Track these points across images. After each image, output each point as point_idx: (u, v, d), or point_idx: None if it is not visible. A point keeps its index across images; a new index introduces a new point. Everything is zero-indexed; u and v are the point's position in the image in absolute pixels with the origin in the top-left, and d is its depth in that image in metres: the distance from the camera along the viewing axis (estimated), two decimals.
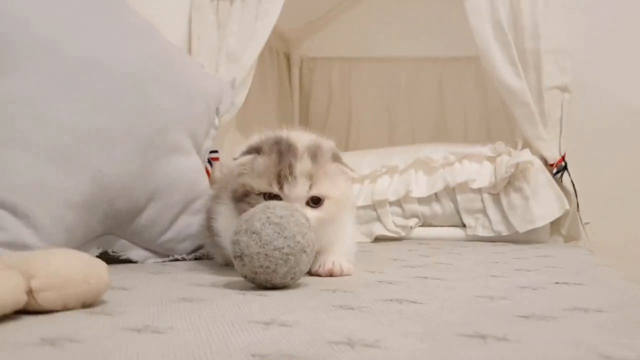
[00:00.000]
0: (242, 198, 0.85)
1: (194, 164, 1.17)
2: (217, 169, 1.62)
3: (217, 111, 1.40)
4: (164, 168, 1.06)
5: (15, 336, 0.49)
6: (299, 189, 0.82)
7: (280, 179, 0.82)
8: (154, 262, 1.07)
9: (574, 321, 0.56)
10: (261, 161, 0.84)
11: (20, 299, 0.56)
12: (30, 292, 0.57)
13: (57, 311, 0.59)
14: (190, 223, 1.12)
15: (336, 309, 0.61)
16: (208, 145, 1.34)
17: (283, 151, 0.84)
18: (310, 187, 0.83)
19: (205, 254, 1.13)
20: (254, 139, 0.89)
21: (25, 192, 0.84)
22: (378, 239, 1.49)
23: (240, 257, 0.73)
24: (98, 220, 0.95)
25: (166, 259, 1.09)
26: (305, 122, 2.36)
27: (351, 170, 0.90)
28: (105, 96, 0.96)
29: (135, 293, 0.72)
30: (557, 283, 0.80)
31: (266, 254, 0.72)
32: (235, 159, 0.88)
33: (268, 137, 0.88)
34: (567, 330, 0.52)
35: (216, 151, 1.54)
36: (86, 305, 0.62)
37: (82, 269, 0.62)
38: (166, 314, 0.59)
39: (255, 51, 1.60)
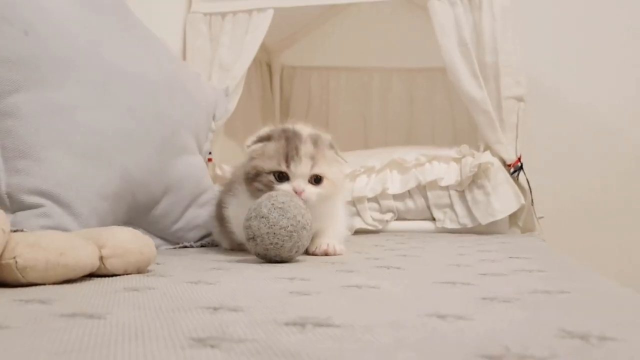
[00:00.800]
0: (255, 178, 1.01)
1: (200, 163, 1.33)
2: (210, 168, 1.78)
3: (214, 116, 1.57)
4: (176, 166, 1.22)
5: (102, 288, 0.65)
6: (303, 167, 0.99)
7: (287, 159, 0.99)
8: (166, 249, 1.22)
9: (520, 277, 0.74)
10: (271, 146, 1.01)
11: (96, 264, 0.71)
12: (101, 258, 0.73)
13: (119, 275, 0.75)
14: (197, 214, 1.27)
15: (339, 272, 0.78)
16: (207, 147, 1.50)
17: (290, 137, 1.01)
18: (312, 167, 1.00)
19: (210, 241, 1.28)
20: (264, 130, 1.05)
21: (67, 185, 0.98)
22: (357, 232, 1.66)
23: (253, 238, 0.90)
24: (122, 210, 1.10)
25: (176, 245, 1.25)
26: None
27: (344, 160, 1.07)
28: (129, 104, 1.11)
29: (171, 266, 0.88)
30: (510, 257, 0.98)
31: (274, 233, 0.89)
32: (248, 146, 1.04)
33: (276, 128, 1.05)
34: (514, 282, 0.70)
35: (209, 152, 1.69)
36: (140, 271, 0.78)
37: (137, 241, 0.77)
38: (207, 275, 0.75)
39: (245, 62, 1.76)
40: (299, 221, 0.90)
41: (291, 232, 0.89)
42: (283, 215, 0.89)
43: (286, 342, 0.39)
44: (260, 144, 1.02)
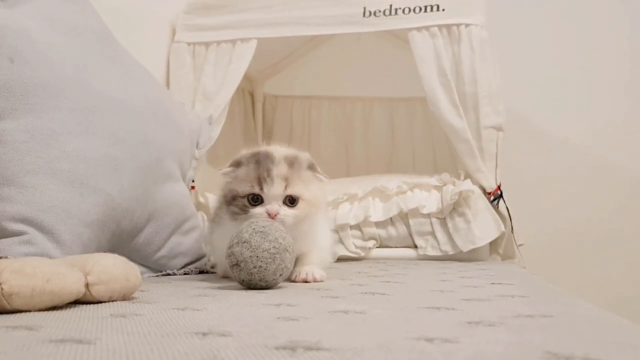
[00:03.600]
0: (232, 201, 1.03)
1: (184, 190, 1.33)
2: (193, 196, 1.78)
3: (197, 144, 1.57)
4: (160, 193, 1.22)
5: (88, 314, 0.64)
6: (276, 188, 1.00)
7: (260, 181, 1.00)
8: (148, 277, 1.21)
9: (504, 302, 0.75)
10: (243, 170, 1.03)
11: (81, 290, 0.71)
12: (86, 285, 0.72)
13: (104, 302, 0.75)
14: (181, 242, 1.27)
15: (324, 298, 0.79)
16: (190, 174, 1.51)
17: (261, 159, 1.02)
18: (286, 188, 1.01)
19: (194, 269, 1.28)
20: (237, 155, 1.07)
21: (50, 212, 0.98)
22: (340, 259, 1.66)
23: (237, 264, 0.90)
24: (106, 238, 1.10)
25: (159, 273, 1.24)
26: None
27: (325, 178, 1.08)
28: (114, 131, 1.12)
29: (156, 293, 0.87)
30: (492, 283, 1.00)
31: (257, 256, 0.89)
32: (221, 171, 1.07)
33: (247, 151, 1.07)
34: (498, 306, 0.71)
35: (192, 180, 1.70)
36: (125, 298, 0.78)
37: (123, 268, 0.77)
38: (193, 302, 0.75)
39: (229, 92, 1.78)
40: (280, 243, 0.90)
41: (274, 254, 0.89)
42: (264, 239, 0.90)
43: None
44: (229, 168, 1.04)
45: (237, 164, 1.04)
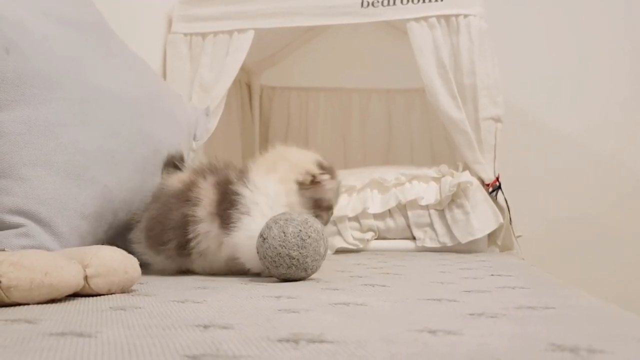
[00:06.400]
0: (321, 208, 1.08)
1: None
2: None
3: (194, 136, 1.56)
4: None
5: (87, 307, 0.64)
6: None
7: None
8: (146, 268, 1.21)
9: (505, 293, 0.75)
10: (334, 183, 1.11)
11: (80, 283, 0.70)
12: (85, 278, 0.72)
13: (103, 294, 0.74)
14: None
15: (325, 290, 0.78)
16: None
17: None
18: None
19: None
20: (319, 161, 1.10)
21: (48, 204, 0.97)
22: (338, 251, 1.66)
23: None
24: (103, 230, 1.09)
25: None
26: (265, 146, 2.53)
27: None
28: (112, 123, 1.11)
29: (155, 285, 0.87)
30: (492, 275, 0.99)
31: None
32: (320, 176, 1.07)
33: (321, 161, 1.10)
34: (499, 298, 0.71)
35: None
36: (124, 291, 0.77)
37: (122, 261, 0.77)
38: (193, 294, 0.75)
39: (226, 83, 1.76)
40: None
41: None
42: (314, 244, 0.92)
43: (281, 359, 0.39)
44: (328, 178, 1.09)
45: (329, 173, 1.09)
